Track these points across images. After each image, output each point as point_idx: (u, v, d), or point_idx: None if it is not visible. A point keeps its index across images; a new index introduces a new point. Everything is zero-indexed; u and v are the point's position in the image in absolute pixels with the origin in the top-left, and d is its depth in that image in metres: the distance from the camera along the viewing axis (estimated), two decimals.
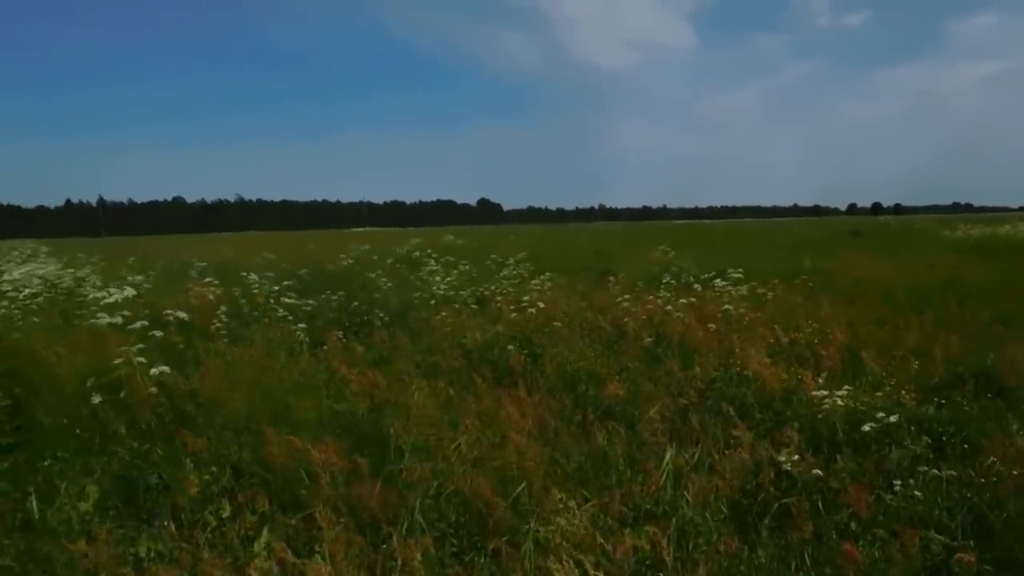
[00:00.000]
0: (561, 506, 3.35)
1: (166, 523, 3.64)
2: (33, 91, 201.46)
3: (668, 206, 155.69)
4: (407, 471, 3.91)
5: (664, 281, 10.24)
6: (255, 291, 9.27)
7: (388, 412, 4.92)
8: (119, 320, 4.81)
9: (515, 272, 12.56)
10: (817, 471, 3.73)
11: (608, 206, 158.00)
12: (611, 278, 11.10)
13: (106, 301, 5.19)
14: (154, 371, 4.31)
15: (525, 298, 8.61)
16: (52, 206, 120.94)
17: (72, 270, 12.17)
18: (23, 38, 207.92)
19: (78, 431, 4.22)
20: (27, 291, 9.09)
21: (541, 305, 7.84)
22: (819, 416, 4.48)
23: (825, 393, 4.31)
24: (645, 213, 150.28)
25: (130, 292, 5.59)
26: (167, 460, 4.12)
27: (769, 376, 5.25)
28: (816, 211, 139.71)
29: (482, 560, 3.22)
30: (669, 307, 7.31)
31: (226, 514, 3.79)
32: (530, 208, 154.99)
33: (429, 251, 18.04)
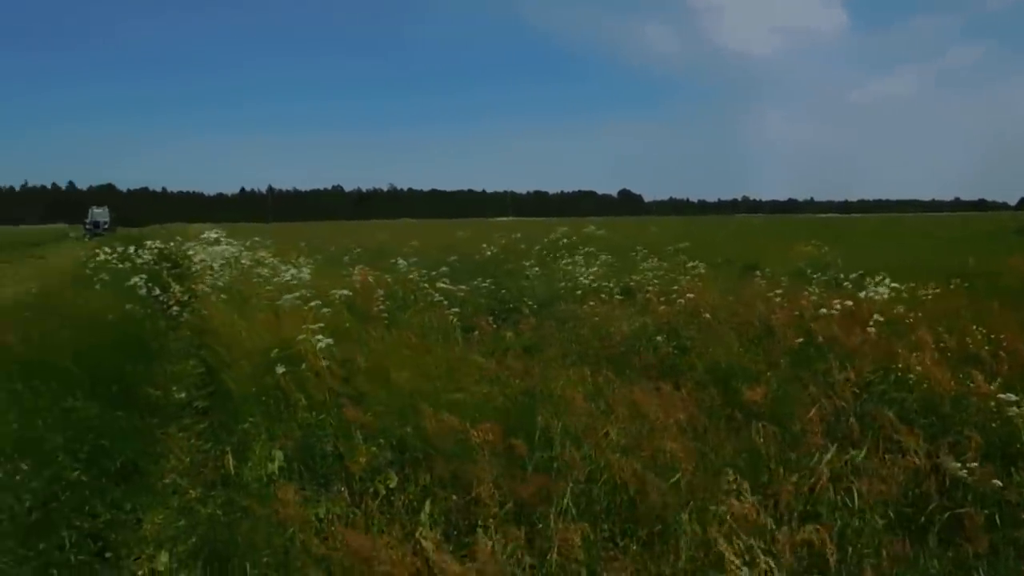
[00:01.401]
0: (734, 487, 3.29)
1: (341, 489, 3.93)
2: (216, 99, 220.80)
3: (815, 199, 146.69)
4: (559, 456, 3.98)
5: (813, 277, 9.74)
6: (410, 276, 9.70)
7: (538, 398, 5.01)
8: (297, 300, 5.21)
9: (659, 263, 12.38)
10: (996, 481, 3.46)
11: (752, 198, 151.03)
12: (756, 272, 10.70)
13: (285, 282, 5.64)
14: (321, 346, 4.65)
15: (675, 288, 8.50)
16: (229, 193, 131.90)
17: (251, 252, 13.25)
18: (213, 59, 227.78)
19: (264, 399, 4.62)
20: (216, 270, 10.04)
21: (691, 296, 7.69)
22: (993, 424, 4.13)
23: (1013, 398, 3.97)
24: (790, 206, 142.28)
25: (305, 274, 6.04)
26: (339, 431, 4.44)
27: (937, 380, 4.89)
28: (981, 206, 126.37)
29: (635, 546, 3.25)
30: (823, 308, 6.96)
31: (392, 484, 4.03)
32: (671, 199, 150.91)
33: (574, 239, 18.09)
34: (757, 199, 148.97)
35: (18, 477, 3.41)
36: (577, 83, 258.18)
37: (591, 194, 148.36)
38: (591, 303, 8.38)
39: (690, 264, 11.50)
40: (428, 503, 3.80)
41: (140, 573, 3.41)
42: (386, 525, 3.58)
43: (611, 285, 9.80)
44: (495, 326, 7.49)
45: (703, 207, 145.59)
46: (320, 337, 4.81)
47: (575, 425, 4.42)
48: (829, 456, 3.84)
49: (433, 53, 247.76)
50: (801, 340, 6.41)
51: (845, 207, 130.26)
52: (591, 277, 10.47)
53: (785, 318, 7.02)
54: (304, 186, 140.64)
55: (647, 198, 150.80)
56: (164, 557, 3.56)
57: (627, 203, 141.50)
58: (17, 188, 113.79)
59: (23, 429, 3.97)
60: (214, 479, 4.30)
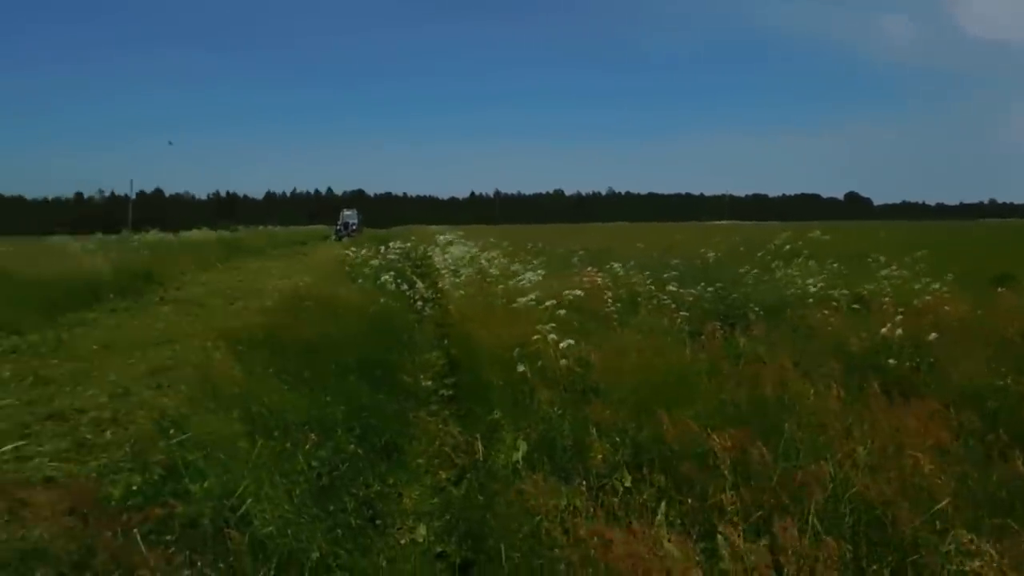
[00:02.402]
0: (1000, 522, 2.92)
1: (580, 482, 4.04)
2: (457, 106, 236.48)
3: None
4: (803, 469, 3.77)
5: None
6: (635, 279, 9.70)
7: (775, 408, 4.79)
8: (532, 301, 5.43)
9: (897, 271, 11.22)
10: None
11: (1001, 201, 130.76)
12: (1009, 283, 9.31)
13: (521, 283, 5.90)
14: (563, 346, 4.79)
15: (914, 299, 7.69)
16: (460, 197, 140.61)
17: (484, 253, 14.06)
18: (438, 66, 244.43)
19: (508, 392, 4.88)
20: (455, 270, 10.77)
21: (935, 307, 6.90)
22: None
23: None
24: None
25: (537, 275, 6.26)
26: (577, 427, 4.57)
27: None
28: None
29: (886, 573, 3.00)
30: None
31: (627, 483, 4.08)
32: (904, 203, 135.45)
33: (799, 243, 17.00)
34: (1008, 202, 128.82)
35: (308, 447, 3.91)
36: (800, 79, 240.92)
37: (814, 197, 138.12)
38: (824, 311, 7.83)
39: (929, 273, 10.30)
40: (664, 504, 3.80)
41: (403, 541, 3.77)
42: (625, 521, 3.63)
43: (843, 293, 9.08)
44: (725, 331, 7.25)
45: (941, 211, 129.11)
46: (554, 336, 4.96)
47: (819, 438, 4.18)
48: None
49: (654, 59, 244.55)
50: None
51: None
52: (820, 284, 9.77)
53: None
54: (528, 190, 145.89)
55: (877, 201, 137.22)
56: (422, 530, 3.90)
57: (854, 207, 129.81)
58: (288, 194, 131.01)
59: (311, 405, 4.54)
60: (463, 463, 4.63)
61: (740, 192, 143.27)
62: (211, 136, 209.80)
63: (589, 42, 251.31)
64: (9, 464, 4.41)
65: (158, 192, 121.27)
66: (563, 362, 4.83)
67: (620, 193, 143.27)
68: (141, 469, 3.73)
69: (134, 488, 3.40)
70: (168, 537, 2.98)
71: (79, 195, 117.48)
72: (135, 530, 2.88)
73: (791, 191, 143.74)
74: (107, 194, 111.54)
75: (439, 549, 3.69)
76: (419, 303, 11.04)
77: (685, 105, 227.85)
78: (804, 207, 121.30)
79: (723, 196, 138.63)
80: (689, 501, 3.75)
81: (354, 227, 51.78)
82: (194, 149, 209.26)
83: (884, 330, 6.68)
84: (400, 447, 4.86)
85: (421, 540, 3.80)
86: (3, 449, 4.65)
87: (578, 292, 7.12)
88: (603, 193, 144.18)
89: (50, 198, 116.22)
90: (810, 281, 10.23)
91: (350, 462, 3.97)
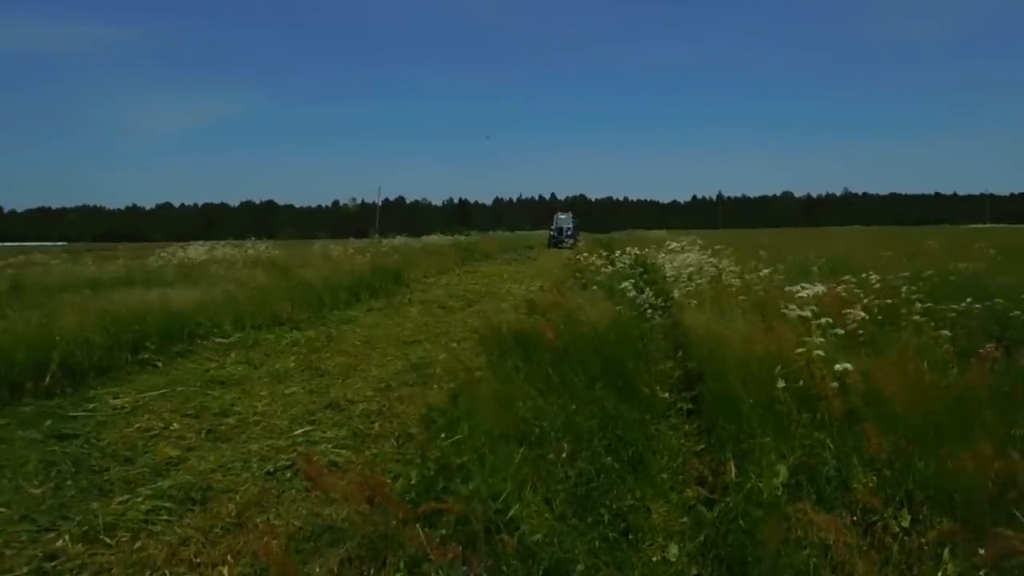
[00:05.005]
0: None
1: (845, 516, 3.69)
2: (669, 118, 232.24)
3: None
4: None
5: None
6: (881, 290, 8.74)
7: None
8: (808, 313, 5.07)
9: None
10: None
11: None
12: None
13: (799, 295, 5.54)
14: (838, 368, 4.40)
15: None
16: (681, 200, 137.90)
17: (714, 258, 13.53)
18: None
19: (765, 411, 4.59)
20: (686, 277, 10.47)
21: None
22: None
23: None
24: None
25: (820, 288, 5.86)
26: (840, 454, 4.18)
27: None
28: None
29: None
30: None
31: (905, 523, 3.67)
32: None
33: None
34: None
35: (564, 455, 3.96)
36: None
37: None
38: None
39: None
40: (947, 551, 3.36)
41: (655, 559, 3.68)
42: (904, 566, 3.27)
43: None
44: (1000, 355, 6.27)
45: None
46: (821, 353, 4.58)
47: None
48: None
49: (894, 48, 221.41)
50: None
51: None
52: None
53: None
54: (753, 192, 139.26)
55: None
56: (674, 549, 3.78)
57: None
58: (515, 200, 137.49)
59: (561, 412, 4.61)
60: (711, 482, 4.44)
61: (1002, 191, 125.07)
62: (447, 145, 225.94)
63: (818, 28, 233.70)
64: (302, 446, 4.99)
65: (400, 199, 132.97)
66: (833, 384, 4.45)
67: (856, 194, 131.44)
68: (419, 463, 4.03)
69: (413, 481, 3.68)
70: (443, 532, 3.16)
71: (335, 202, 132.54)
72: (416, 523, 3.08)
73: None
74: (359, 202, 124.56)
75: (695, 572, 3.55)
76: (648, 311, 10.88)
77: (934, 97, 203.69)
78: None
79: (983, 196, 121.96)
80: (980, 552, 3.28)
81: (569, 232, 46.10)
82: (432, 158, 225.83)
83: None
84: (645, 460, 4.77)
85: (674, 560, 3.69)
86: (297, 432, 5.28)
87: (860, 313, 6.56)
88: (837, 194, 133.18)
89: (312, 206, 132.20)
90: None
91: (604, 474, 3.95)
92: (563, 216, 49.22)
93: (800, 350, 4.72)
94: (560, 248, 41.88)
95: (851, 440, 4.23)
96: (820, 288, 5.98)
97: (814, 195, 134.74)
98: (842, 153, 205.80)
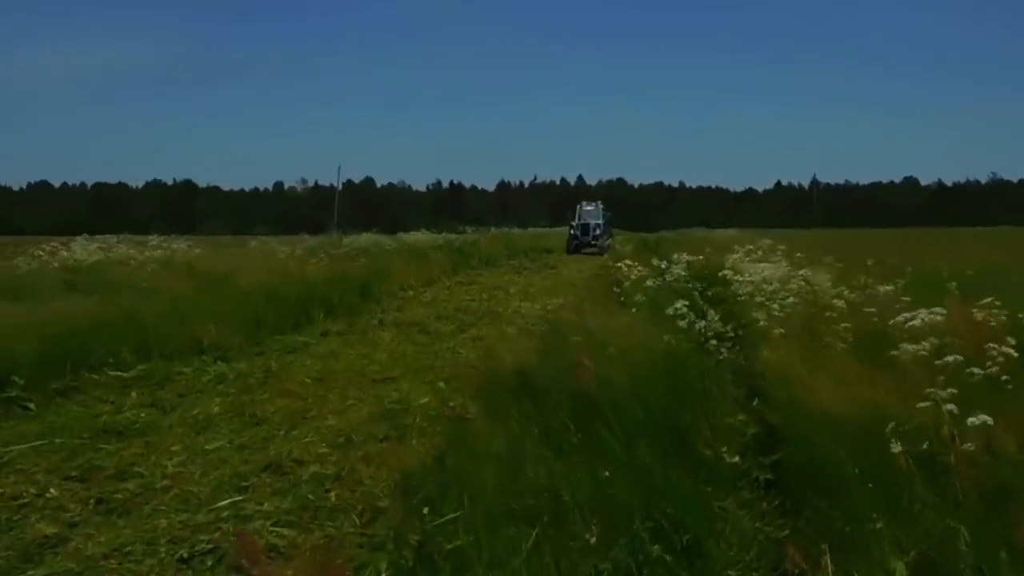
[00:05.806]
0: None
1: None
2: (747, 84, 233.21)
3: None
4: None
5: None
6: None
7: None
8: (924, 350, 5.08)
9: None
10: None
11: None
12: None
13: (910, 324, 5.55)
14: (974, 422, 4.40)
15: None
16: (760, 188, 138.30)
17: (804, 271, 13.52)
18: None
19: (869, 486, 4.59)
20: (768, 297, 10.48)
21: None
22: None
23: None
24: None
25: (937, 314, 5.86)
26: (979, 546, 4.18)
27: None
28: None
29: None
30: None
31: None
32: None
33: None
34: None
35: (592, 541, 3.98)
36: None
37: None
38: None
39: None
40: None
41: None
42: None
43: None
44: None
45: None
46: (952, 407, 4.58)
47: None
48: None
49: None
50: None
51: None
52: None
53: None
54: (861, 178, 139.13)
55: None
56: None
57: None
58: (526, 184, 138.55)
59: (588, 479, 4.63)
60: None
61: None
62: (433, 110, 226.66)
63: None
64: (228, 523, 5.01)
65: (368, 181, 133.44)
66: (968, 446, 4.45)
67: (1009, 182, 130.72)
68: (391, 549, 4.04)
69: (383, 575, 3.68)
70: None
71: (279, 185, 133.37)
72: None
73: None
74: (311, 184, 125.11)
75: None
76: (712, 343, 10.88)
77: None
78: None
79: None
80: None
81: (598, 231, 45.22)
82: (413, 126, 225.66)
83: None
84: (705, 550, 4.77)
85: None
86: (222, 504, 5.31)
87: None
88: (982, 182, 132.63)
89: (247, 189, 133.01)
90: None
91: (649, 567, 3.96)
92: (590, 208, 47.93)
93: (923, 404, 4.72)
94: (585, 253, 41.91)
95: (996, 527, 4.24)
96: (940, 313, 5.97)
97: (948, 182, 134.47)
98: (988, 126, 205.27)
